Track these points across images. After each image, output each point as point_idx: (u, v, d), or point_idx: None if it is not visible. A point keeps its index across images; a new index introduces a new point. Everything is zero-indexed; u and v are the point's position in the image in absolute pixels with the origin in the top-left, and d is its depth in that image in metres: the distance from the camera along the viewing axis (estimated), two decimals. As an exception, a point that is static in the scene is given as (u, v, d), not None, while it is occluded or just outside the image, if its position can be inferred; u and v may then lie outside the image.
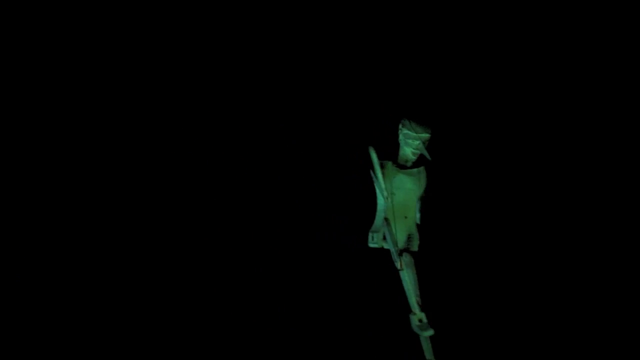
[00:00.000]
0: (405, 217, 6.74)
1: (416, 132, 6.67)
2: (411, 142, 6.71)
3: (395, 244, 6.56)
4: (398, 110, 6.96)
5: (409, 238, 6.74)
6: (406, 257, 6.70)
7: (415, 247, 6.75)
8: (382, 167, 6.71)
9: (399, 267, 6.53)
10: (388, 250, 6.66)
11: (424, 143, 6.70)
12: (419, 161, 6.81)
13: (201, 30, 7.66)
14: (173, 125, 7.65)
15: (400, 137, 6.75)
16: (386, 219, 6.63)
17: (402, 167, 6.77)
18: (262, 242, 7.57)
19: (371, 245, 6.73)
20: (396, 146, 6.81)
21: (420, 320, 6.57)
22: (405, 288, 6.56)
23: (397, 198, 6.73)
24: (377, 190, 6.71)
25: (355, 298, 7.41)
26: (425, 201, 6.76)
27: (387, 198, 6.64)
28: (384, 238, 6.68)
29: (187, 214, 7.58)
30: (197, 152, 7.62)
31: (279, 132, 7.60)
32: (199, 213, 7.59)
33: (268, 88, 7.66)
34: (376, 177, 6.61)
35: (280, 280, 7.51)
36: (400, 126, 6.74)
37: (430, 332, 6.56)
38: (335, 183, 7.43)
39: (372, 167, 6.61)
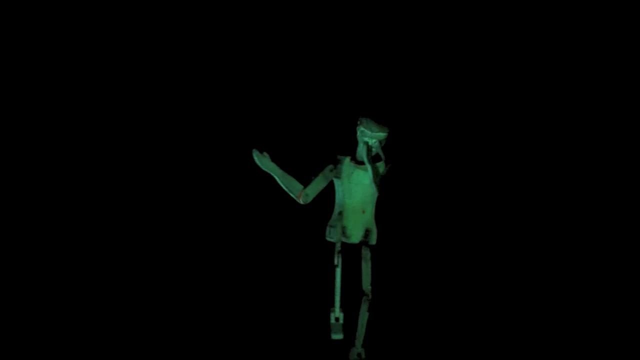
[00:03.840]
0: (363, 212, 6.91)
1: (371, 131, 6.76)
2: (367, 140, 6.80)
3: (338, 240, 6.71)
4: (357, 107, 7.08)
5: (367, 232, 6.91)
6: (364, 251, 6.88)
7: (373, 241, 6.92)
8: (339, 162, 6.89)
9: (335, 263, 6.67)
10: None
11: (380, 142, 6.82)
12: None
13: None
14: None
15: (358, 134, 6.84)
16: (340, 214, 6.81)
17: (359, 163, 6.88)
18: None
19: (328, 239, 6.86)
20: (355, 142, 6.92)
21: (337, 319, 6.70)
22: (335, 284, 6.69)
23: (356, 193, 6.89)
24: (337, 185, 6.86)
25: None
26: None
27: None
28: (344, 233, 6.85)
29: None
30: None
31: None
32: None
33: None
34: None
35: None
36: (358, 123, 6.83)
37: (339, 336, 6.68)
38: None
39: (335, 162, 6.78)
